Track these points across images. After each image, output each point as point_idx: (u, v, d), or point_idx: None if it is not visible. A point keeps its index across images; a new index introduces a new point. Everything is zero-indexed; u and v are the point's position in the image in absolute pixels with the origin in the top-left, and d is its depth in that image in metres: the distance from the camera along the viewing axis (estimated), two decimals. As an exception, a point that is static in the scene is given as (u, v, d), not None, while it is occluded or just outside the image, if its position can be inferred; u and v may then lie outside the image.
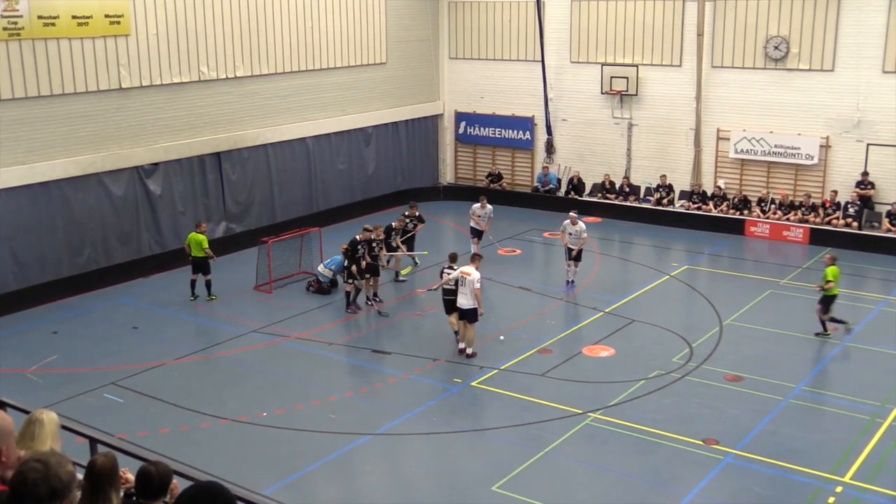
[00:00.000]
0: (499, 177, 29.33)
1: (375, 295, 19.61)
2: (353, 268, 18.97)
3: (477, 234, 22.58)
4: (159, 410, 14.64)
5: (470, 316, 16.35)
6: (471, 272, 16.31)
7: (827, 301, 17.29)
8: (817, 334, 17.33)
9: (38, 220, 19.50)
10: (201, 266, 19.74)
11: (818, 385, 15.15)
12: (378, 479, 12.86)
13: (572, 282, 20.38)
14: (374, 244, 19.58)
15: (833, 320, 17.39)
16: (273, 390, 15.45)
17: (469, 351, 16.47)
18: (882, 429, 13.53)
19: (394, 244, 21.12)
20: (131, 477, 5.42)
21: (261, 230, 23.17)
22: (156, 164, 21.69)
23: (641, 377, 15.64)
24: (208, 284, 19.86)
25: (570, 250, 20.24)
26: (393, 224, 21.39)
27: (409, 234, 21.79)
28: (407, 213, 22.12)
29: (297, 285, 20.83)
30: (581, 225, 20.03)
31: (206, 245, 19.58)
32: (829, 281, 17.10)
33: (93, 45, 20.01)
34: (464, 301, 16.31)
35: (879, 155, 23.35)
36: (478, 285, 16.21)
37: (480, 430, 14.08)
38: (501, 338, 17.23)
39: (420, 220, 22.13)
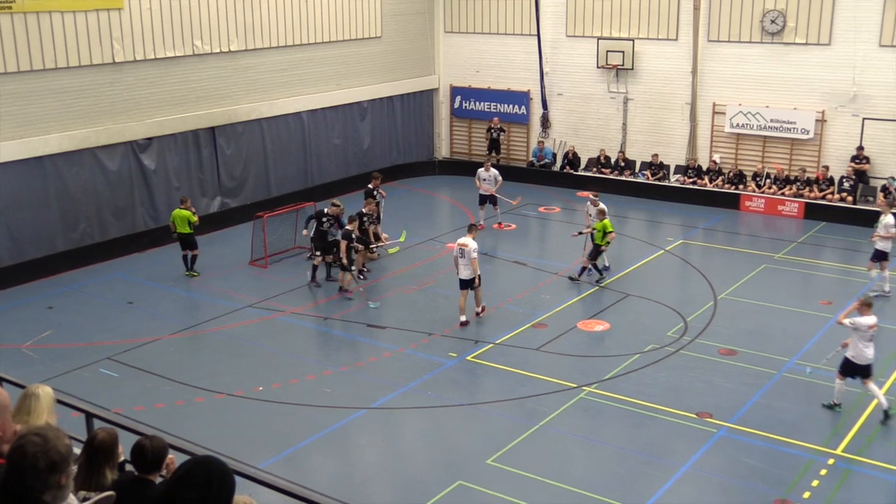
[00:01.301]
0: (500, 131, 28.69)
1: (362, 271, 19.52)
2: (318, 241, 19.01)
3: (485, 200, 22.95)
4: (155, 385, 14.68)
5: (471, 284, 16.82)
6: (468, 243, 16.65)
7: (598, 250, 18.92)
8: (572, 279, 19.06)
9: (32, 195, 19.43)
10: (188, 242, 19.70)
11: (811, 359, 15.20)
12: (373, 452, 12.93)
13: (607, 267, 19.53)
14: (364, 218, 19.54)
15: (594, 267, 18.99)
16: (268, 365, 15.49)
17: (477, 309, 17.06)
18: (874, 402, 13.58)
19: (373, 230, 19.95)
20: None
21: (256, 205, 23.13)
22: (150, 138, 21.60)
23: (636, 351, 15.72)
24: (193, 259, 19.85)
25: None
26: (364, 210, 19.71)
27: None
28: (371, 185, 21.41)
29: (293, 260, 20.82)
30: (602, 206, 19.46)
31: (194, 220, 19.48)
32: (610, 231, 18.70)
33: (85, 18, 19.84)
34: (465, 272, 16.71)
35: (875, 129, 23.32)
36: (475, 255, 16.58)
37: (475, 403, 14.14)
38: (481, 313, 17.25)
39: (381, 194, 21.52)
